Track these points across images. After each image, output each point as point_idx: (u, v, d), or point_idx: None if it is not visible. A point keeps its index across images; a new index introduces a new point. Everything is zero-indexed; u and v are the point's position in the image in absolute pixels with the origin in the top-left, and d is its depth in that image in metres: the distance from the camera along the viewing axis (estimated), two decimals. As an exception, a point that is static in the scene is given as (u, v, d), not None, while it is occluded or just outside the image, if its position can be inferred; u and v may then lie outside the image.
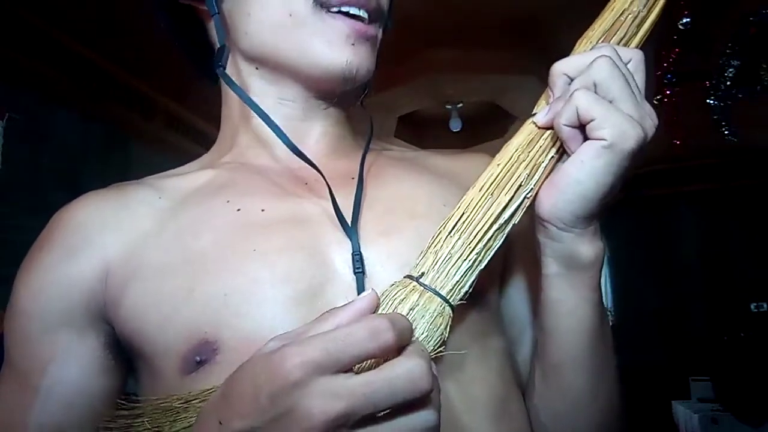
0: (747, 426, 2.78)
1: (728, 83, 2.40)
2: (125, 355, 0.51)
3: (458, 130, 3.18)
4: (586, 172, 0.43)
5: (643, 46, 0.49)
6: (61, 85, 2.32)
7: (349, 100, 0.59)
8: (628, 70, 0.44)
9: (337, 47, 0.51)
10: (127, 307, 0.48)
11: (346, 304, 0.38)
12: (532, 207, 0.47)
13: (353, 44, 0.52)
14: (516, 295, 0.58)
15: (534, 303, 0.58)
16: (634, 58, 0.45)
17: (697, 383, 3.24)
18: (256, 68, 0.56)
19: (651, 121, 0.43)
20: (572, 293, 0.48)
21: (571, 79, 0.46)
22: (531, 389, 0.54)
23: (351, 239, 0.48)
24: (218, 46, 0.56)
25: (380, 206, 0.52)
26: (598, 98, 0.42)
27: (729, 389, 2.92)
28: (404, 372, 0.33)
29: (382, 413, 0.33)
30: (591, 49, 0.46)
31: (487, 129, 3.41)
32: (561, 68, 0.46)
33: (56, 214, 0.53)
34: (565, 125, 0.44)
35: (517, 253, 0.58)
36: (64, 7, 2.09)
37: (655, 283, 3.99)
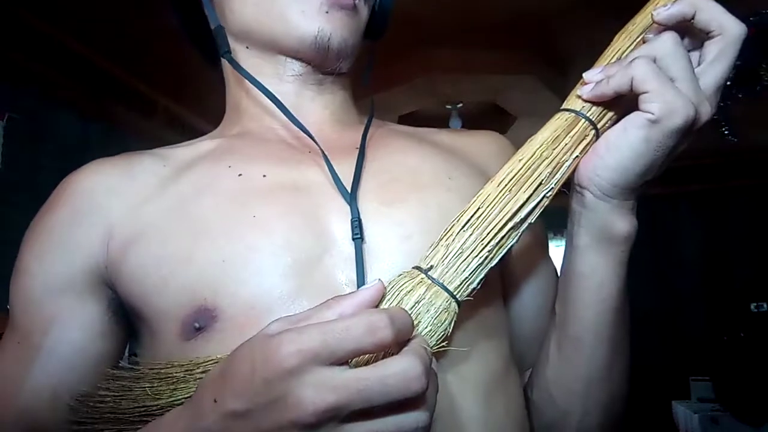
0: (747, 426, 2.78)
1: (728, 83, 2.39)
2: (126, 319, 0.52)
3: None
4: (627, 141, 0.43)
5: None
6: (61, 85, 2.32)
7: (345, 76, 0.59)
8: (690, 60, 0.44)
9: (309, 15, 0.52)
10: (128, 271, 0.49)
11: (351, 293, 0.38)
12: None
13: (327, 12, 0.53)
14: (520, 280, 0.58)
15: (537, 286, 0.58)
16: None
17: (697, 383, 3.23)
18: (247, 47, 0.57)
19: (708, 107, 0.43)
20: (601, 267, 0.48)
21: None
22: (543, 364, 0.54)
23: (350, 205, 0.48)
24: (213, 27, 0.57)
25: (384, 176, 0.52)
26: (659, 72, 0.42)
27: (729, 389, 2.91)
28: (398, 371, 0.33)
29: (375, 409, 0.33)
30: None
31: (487, 129, 3.39)
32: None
33: (64, 180, 0.54)
34: (614, 91, 0.44)
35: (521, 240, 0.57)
36: (64, 7, 2.09)
37: (654, 282, 3.99)
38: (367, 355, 0.35)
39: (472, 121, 3.33)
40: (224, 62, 0.60)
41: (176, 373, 0.42)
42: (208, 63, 0.65)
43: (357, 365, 0.34)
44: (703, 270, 4.04)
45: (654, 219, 4.05)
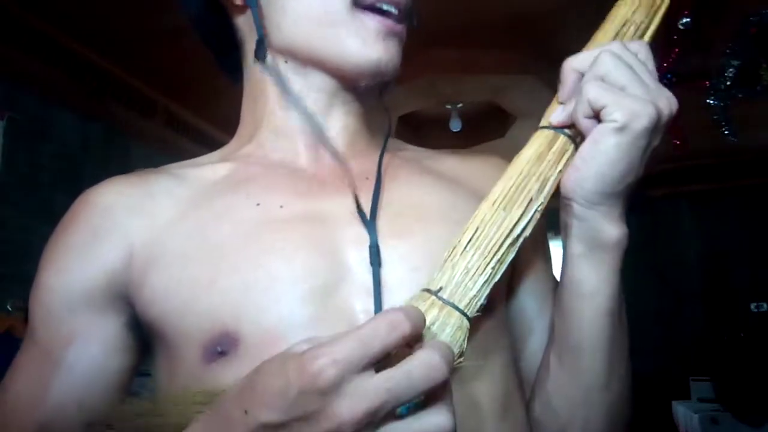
0: (747, 426, 2.78)
1: (728, 83, 2.40)
2: (143, 335, 0.53)
3: (458, 130, 3.18)
4: (600, 150, 0.45)
5: None
6: (61, 85, 2.32)
7: (371, 94, 0.60)
8: (639, 60, 0.46)
9: (369, 44, 0.53)
10: (149, 292, 0.49)
11: (373, 318, 0.39)
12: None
13: (384, 40, 0.54)
14: (524, 294, 0.59)
15: (541, 299, 0.59)
16: (641, 49, 0.48)
17: (697, 383, 3.24)
18: (285, 61, 0.57)
19: (666, 101, 0.45)
20: (594, 274, 0.49)
21: (582, 75, 0.48)
22: (544, 376, 0.54)
23: (369, 233, 0.49)
24: (257, 37, 0.56)
25: (392, 209, 0.53)
26: (607, 86, 0.45)
27: (729, 389, 2.92)
28: (421, 362, 0.35)
29: (403, 413, 0.35)
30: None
31: (487, 129, 3.41)
32: (571, 65, 0.49)
33: (82, 196, 0.55)
34: (583, 118, 0.46)
35: (523, 252, 0.58)
36: (63, 6, 2.09)
37: (654, 283, 3.99)
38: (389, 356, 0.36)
39: (472, 121, 3.33)
40: (249, 76, 0.60)
41: (198, 398, 0.42)
42: (226, 72, 0.65)
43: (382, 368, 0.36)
44: (702, 270, 4.04)
45: (654, 219, 4.05)
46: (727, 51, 2.32)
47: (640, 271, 3.84)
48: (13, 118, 2.10)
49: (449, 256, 0.47)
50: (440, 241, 0.49)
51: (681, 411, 3.16)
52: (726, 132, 2.57)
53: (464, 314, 0.44)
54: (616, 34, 0.50)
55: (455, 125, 3.16)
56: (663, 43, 2.22)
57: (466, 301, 0.45)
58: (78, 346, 0.50)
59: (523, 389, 0.55)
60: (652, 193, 3.95)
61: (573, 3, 2.10)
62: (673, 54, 2.27)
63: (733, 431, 2.81)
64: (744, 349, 3.05)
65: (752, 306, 3.73)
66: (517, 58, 2.59)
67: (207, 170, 0.57)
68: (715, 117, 2.53)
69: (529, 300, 0.59)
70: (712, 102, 2.48)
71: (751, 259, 3.88)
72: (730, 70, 2.36)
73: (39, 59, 2.20)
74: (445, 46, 2.53)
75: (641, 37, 0.51)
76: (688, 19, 2.11)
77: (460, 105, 3.11)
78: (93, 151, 2.46)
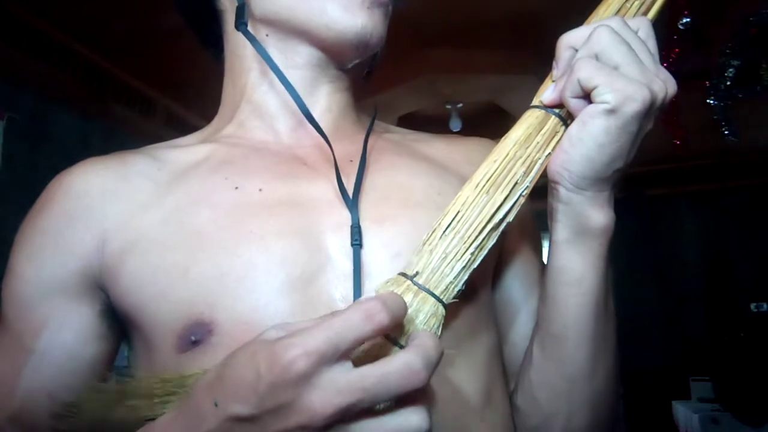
0: (747, 426, 2.78)
1: (728, 83, 2.39)
2: (119, 323, 0.51)
3: (458, 130, 3.18)
4: (589, 133, 0.43)
5: None
6: (61, 85, 2.32)
7: (358, 72, 0.58)
8: (638, 37, 0.44)
9: (353, 10, 0.52)
10: (125, 279, 0.48)
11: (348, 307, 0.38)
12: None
13: (368, 8, 0.52)
14: (510, 279, 0.58)
15: (528, 284, 0.58)
16: (642, 26, 0.45)
17: (697, 383, 3.24)
18: (267, 35, 0.55)
19: (662, 83, 0.43)
20: (580, 261, 0.47)
21: (577, 52, 0.45)
22: (527, 365, 0.53)
23: (351, 213, 0.48)
24: (237, 4, 0.55)
25: (376, 194, 0.51)
26: (600, 65, 0.42)
27: (729, 389, 2.92)
28: (399, 366, 0.34)
29: (379, 408, 0.34)
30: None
31: (487, 129, 3.41)
32: (566, 41, 0.46)
33: (56, 179, 0.53)
34: (571, 98, 0.44)
35: (511, 237, 0.57)
36: (63, 6, 2.09)
37: (654, 283, 3.98)
38: (363, 347, 0.35)
39: (472, 121, 3.33)
40: (229, 51, 0.59)
41: (168, 387, 0.41)
42: (207, 48, 0.63)
43: (359, 358, 0.35)
44: (703, 270, 4.04)
45: (654, 219, 4.05)
46: (727, 51, 2.31)
47: (640, 271, 3.85)
48: (13, 118, 2.10)
49: (428, 239, 0.45)
50: (425, 226, 0.47)
51: (681, 411, 3.16)
52: (726, 132, 2.57)
53: (440, 301, 0.43)
54: (619, 10, 0.48)
55: (455, 125, 3.16)
56: (663, 43, 2.22)
57: (442, 287, 0.43)
58: (50, 335, 0.49)
59: (507, 378, 0.55)
60: (652, 193, 3.95)
61: (573, 3, 2.10)
62: (673, 54, 2.27)
63: (733, 431, 2.81)
64: (744, 349, 3.05)
65: (752, 306, 3.72)
66: (517, 58, 2.59)
67: (186, 152, 0.56)
68: (715, 117, 2.53)
69: (515, 286, 0.58)
70: (712, 102, 2.48)
71: (751, 259, 3.88)
72: (730, 70, 2.36)
73: (39, 59, 2.20)
74: (445, 46, 2.53)
75: (645, 14, 0.48)
76: (688, 19, 2.11)
77: (460, 105, 3.11)
78: (93, 151, 2.45)
